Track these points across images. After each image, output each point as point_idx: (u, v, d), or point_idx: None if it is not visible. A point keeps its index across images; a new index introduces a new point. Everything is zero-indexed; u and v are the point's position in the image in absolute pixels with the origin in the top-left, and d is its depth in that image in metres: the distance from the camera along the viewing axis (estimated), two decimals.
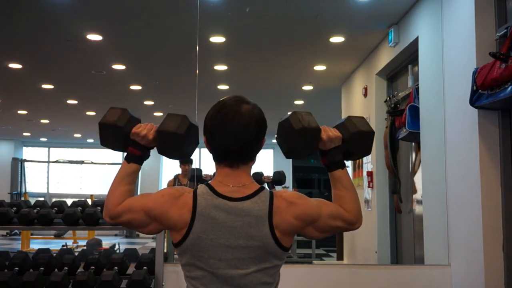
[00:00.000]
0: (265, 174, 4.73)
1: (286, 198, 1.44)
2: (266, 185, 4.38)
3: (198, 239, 1.39)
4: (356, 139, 1.60)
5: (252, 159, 1.49)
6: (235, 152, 1.44)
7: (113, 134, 1.57)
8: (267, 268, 1.42)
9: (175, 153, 1.60)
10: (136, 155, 1.55)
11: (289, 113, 1.58)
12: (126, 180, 1.53)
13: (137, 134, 1.54)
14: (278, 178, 4.24)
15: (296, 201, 1.45)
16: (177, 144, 1.54)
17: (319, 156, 1.62)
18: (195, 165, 6.01)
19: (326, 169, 1.60)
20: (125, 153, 1.58)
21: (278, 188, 4.54)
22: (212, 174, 4.66)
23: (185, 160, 1.45)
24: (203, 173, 4.67)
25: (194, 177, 4.74)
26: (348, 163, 6.15)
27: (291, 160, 10.56)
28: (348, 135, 1.59)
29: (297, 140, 1.54)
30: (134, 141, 1.55)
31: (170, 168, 10.12)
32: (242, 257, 1.39)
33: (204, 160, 5.97)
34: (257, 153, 1.51)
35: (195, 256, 1.41)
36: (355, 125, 1.60)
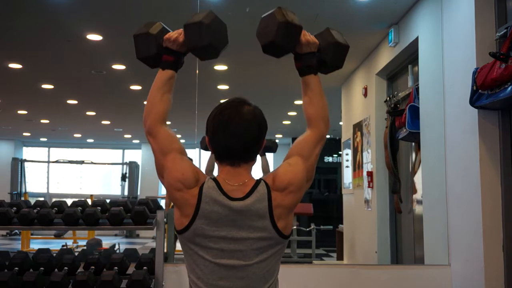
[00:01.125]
0: None
1: (278, 187, 1.47)
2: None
3: (201, 229, 1.42)
4: (331, 49, 1.62)
5: (253, 159, 1.53)
6: (236, 151, 1.48)
7: (147, 42, 1.61)
8: (269, 257, 1.46)
9: (203, 48, 1.59)
10: (170, 61, 1.59)
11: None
12: (164, 88, 1.57)
13: (168, 39, 1.58)
14: (269, 145, 4.23)
15: (287, 183, 1.47)
16: (203, 35, 1.55)
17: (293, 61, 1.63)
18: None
19: (298, 73, 1.62)
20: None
21: (268, 155, 4.46)
22: None
23: (215, 56, 1.45)
24: None
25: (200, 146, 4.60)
26: (348, 164, 6.17)
27: None
28: (325, 44, 1.61)
29: (278, 33, 1.53)
30: (167, 47, 1.58)
31: None
32: (244, 248, 1.43)
33: (204, 160, 5.96)
34: (258, 153, 1.54)
35: (198, 245, 1.44)
36: (332, 36, 1.63)
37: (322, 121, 1.58)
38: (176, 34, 1.59)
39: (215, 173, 1.58)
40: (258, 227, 1.43)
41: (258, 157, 1.59)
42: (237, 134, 1.45)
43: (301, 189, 1.50)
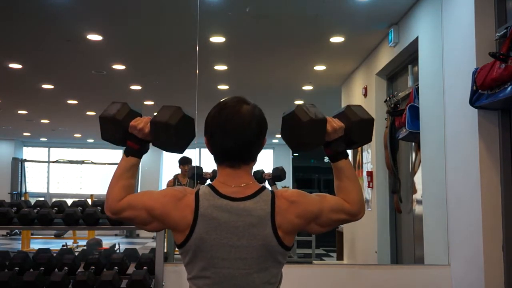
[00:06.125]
0: (265, 172, 4.76)
1: (288, 197, 1.44)
2: (267, 182, 4.36)
3: (201, 239, 1.40)
4: (358, 127, 1.59)
5: (253, 159, 1.50)
6: (236, 152, 1.45)
7: (112, 128, 1.58)
8: (269, 267, 1.43)
9: (168, 145, 1.57)
10: (134, 148, 1.56)
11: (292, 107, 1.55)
12: (126, 175, 1.54)
13: (134, 127, 1.55)
14: (278, 174, 4.25)
15: (297, 199, 1.45)
16: (169, 135, 1.53)
17: (322, 148, 1.60)
18: (195, 165, 6.00)
19: (329, 159, 1.59)
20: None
21: (278, 184, 4.53)
22: (211, 171, 4.64)
23: (179, 152, 1.47)
24: (203, 170, 4.65)
25: (194, 175, 4.72)
26: None
27: (291, 160, 10.57)
28: (350, 124, 1.58)
29: (305, 133, 1.52)
30: (132, 134, 1.56)
31: (170, 168, 10.13)
32: (244, 256, 1.40)
33: (204, 160, 5.96)
34: (258, 153, 1.51)
35: (198, 256, 1.41)
36: (355, 113, 1.60)
37: (359, 205, 1.55)
38: (142, 123, 1.55)
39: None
40: (259, 235, 1.40)
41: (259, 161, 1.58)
42: (235, 134, 1.42)
43: (305, 217, 1.44)
